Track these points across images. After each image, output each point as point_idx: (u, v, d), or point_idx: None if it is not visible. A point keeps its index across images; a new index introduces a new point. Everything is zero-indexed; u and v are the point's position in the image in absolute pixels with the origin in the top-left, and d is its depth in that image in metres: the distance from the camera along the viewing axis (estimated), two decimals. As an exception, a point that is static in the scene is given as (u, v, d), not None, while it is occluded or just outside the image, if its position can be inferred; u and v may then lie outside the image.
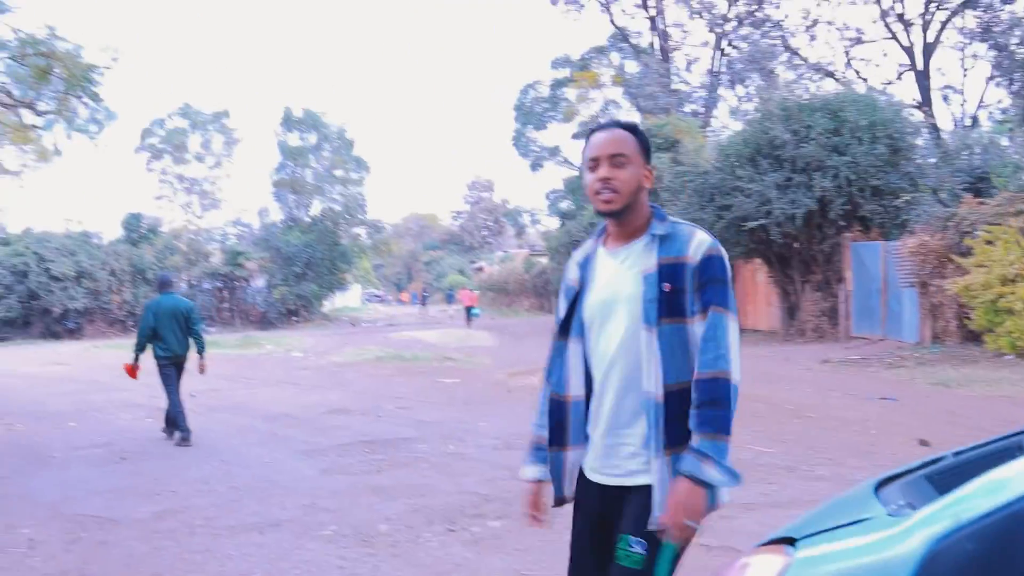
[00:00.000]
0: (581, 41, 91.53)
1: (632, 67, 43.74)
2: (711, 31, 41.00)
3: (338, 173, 49.05)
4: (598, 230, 2.81)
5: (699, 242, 2.57)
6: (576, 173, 41.63)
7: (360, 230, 50.59)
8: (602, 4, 42.69)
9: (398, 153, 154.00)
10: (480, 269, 75.82)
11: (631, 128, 2.75)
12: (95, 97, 15.35)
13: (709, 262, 2.54)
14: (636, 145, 2.69)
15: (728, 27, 40.24)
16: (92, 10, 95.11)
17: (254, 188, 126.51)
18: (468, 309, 38.82)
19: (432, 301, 70.23)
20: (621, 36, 43.60)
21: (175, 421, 10.05)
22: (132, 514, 6.73)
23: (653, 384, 2.50)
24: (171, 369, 10.15)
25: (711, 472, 2.42)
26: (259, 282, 44.46)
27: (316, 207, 48.50)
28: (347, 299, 60.53)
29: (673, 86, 40.96)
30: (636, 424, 2.58)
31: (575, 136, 45.76)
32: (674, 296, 2.51)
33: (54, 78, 14.83)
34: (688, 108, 40.86)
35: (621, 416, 2.60)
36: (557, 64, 46.35)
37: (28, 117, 16.50)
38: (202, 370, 10.39)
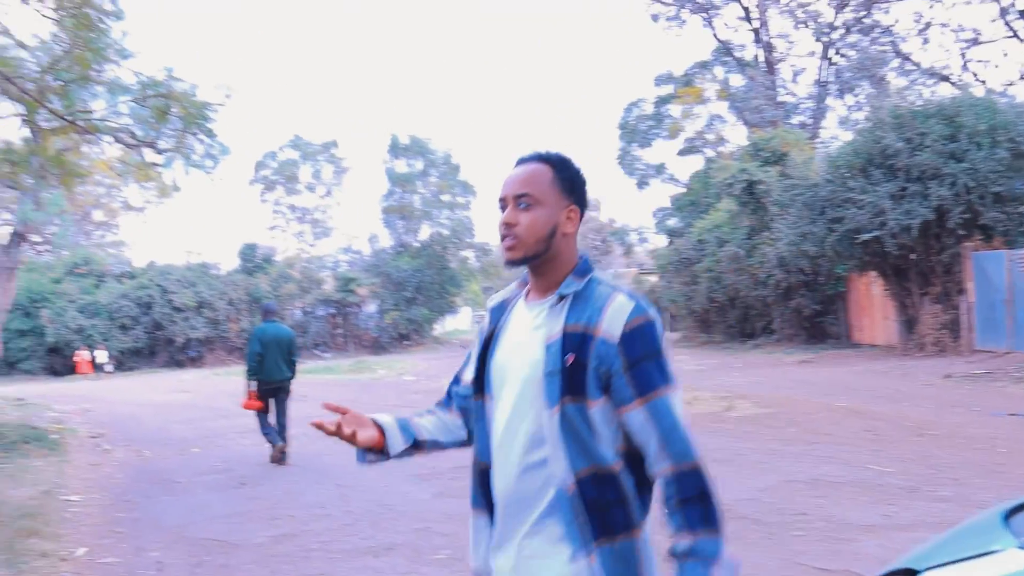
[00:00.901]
0: (684, 57, 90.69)
1: (737, 81, 43.15)
2: (817, 40, 40.15)
3: (445, 198, 49.65)
4: (524, 274, 2.33)
5: (616, 310, 2.06)
6: (683, 190, 41.25)
7: (468, 253, 51.06)
8: (704, 19, 42.28)
9: (504, 176, 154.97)
10: (588, 289, 75.36)
11: (553, 160, 2.25)
12: (210, 133, 15.88)
13: (635, 337, 2.04)
14: (553, 182, 2.20)
15: (835, 35, 39.36)
16: (206, 50, 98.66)
17: (364, 215, 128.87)
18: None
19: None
20: (724, 50, 43.07)
21: (269, 435, 10.66)
22: (251, 538, 6.89)
23: (560, 472, 2.05)
24: (274, 394, 10.79)
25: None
26: (371, 307, 45.27)
27: (425, 232, 49.18)
28: (457, 322, 61.05)
29: (779, 98, 40.24)
30: (545, 520, 2.08)
31: (681, 153, 45.37)
32: (577, 370, 2.05)
33: (172, 117, 15.40)
34: (795, 120, 40.06)
35: (523, 505, 2.12)
36: (660, 81, 46.00)
37: (149, 156, 17.16)
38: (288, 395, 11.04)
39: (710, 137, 44.89)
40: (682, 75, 45.01)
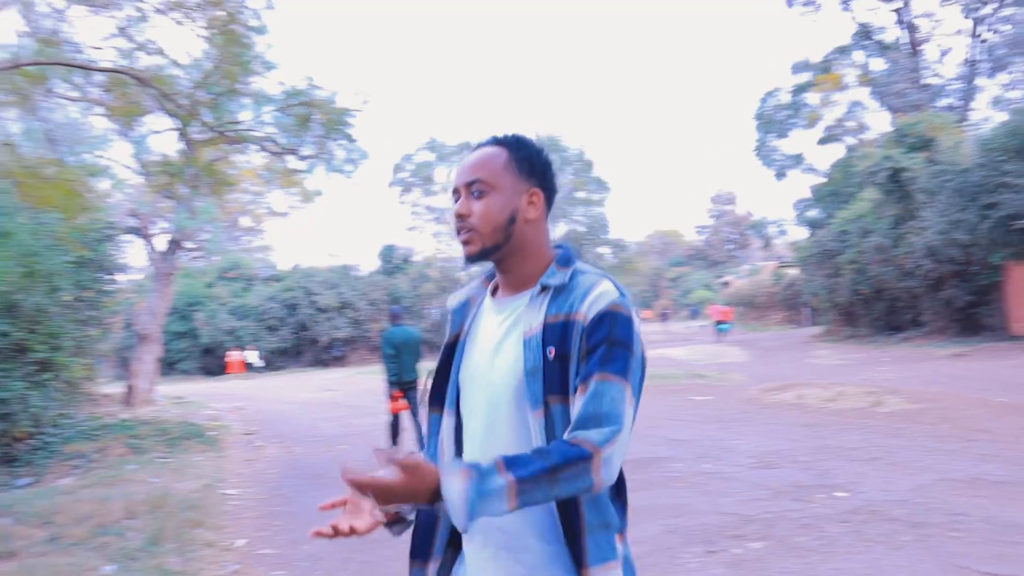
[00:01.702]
0: (821, 43, 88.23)
1: (878, 64, 41.67)
2: (966, 17, 38.40)
3: (580, 195, 49.72)
4: (488, 271, 2.14)
5: (599, 295, 1.85)
6: (823, 180, 40.10)
7: (604, 250, 50.96)
8: (842, 2, 41.01)
9: (638, 171, 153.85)
10: (727, 283, 74.40)
11: (507, 141, 2.04)
12: (350, 139, 16.35)
13: (603, 320, 1.81)
14: (508, 164, 1.99)
15: (986, 10, 37.56)
16: (344, 57, 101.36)
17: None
18: (717, 323, 38.14)
19: (677, 318, 69.50)
20: (864, 33, 41.64)
21: (393, 438, 11.18)
22: (395, 538, 7.05)
23: None
24: (412, 393, 11.23)
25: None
26: (508, 305, 45.61)
27: (560, 229, 49.31)
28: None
29: (924, 81, 38.68)
30: (526, 539, 1.86)
31: (820, 142, 44.12)
32: (561, 365, 1.84)
33: (314, 124, 15.91)
34: (942, 103, 38.42)
35: (504, 530, 1.87)
36: (797, 69, 44.83)
37: (292, 163, 17.76)
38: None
39: (851, 124, 43.50)
40: (820, 62, 43.74)
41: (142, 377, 20.49)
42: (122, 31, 13.49)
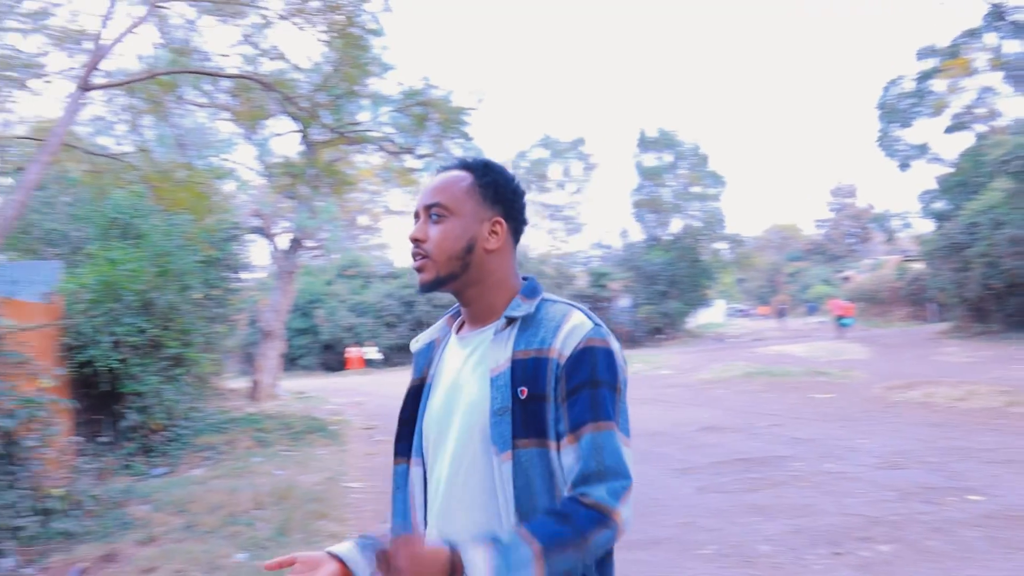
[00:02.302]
0: (949, 26, 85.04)
1: (1012, 47, 39.84)
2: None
3: (695, 190, 49.01)
4: (453, 309, 2.04)
5: (573, 327, 1.75)
6: (951, 171, 38.60)
7: (721, 245, 50.16)
8: (972, -17, 39.34)
9: (755, 165, 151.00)
10: (847, 278, 72.38)
11: (473, 166, 1.92)
12: (467, 137, 16.49)
13: (582, 359, 1.71)
14: (470, 189, 1.87)
15: None
16: (459, 56, 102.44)
17: (614, 210, 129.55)
18: (838, 319, 37.13)
19: (795, 314, 67.91)
20: (997, 14, 39.85)
21: None
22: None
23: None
24: None
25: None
26: (624, 302, 45.44)
27: (676, 225, 48.78)
28: (711, 315, 60.15)
29: (1063, 63, 36.82)
30: None
31: (947, 130, 42.44)
32: (533, 406, 1.71)
33: (430, 124, 16.12)
34: (1082, 86, 36.51)
35: None
36: (923, 55, 43.19)
37: (409, 161, 18.02)
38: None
39: (980, 111, 41.71)
40: (947, 46, 42.01)
41: (266, 372, 21.14)
42: (247, 38, 13.92)
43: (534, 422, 1.70)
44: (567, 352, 1.71)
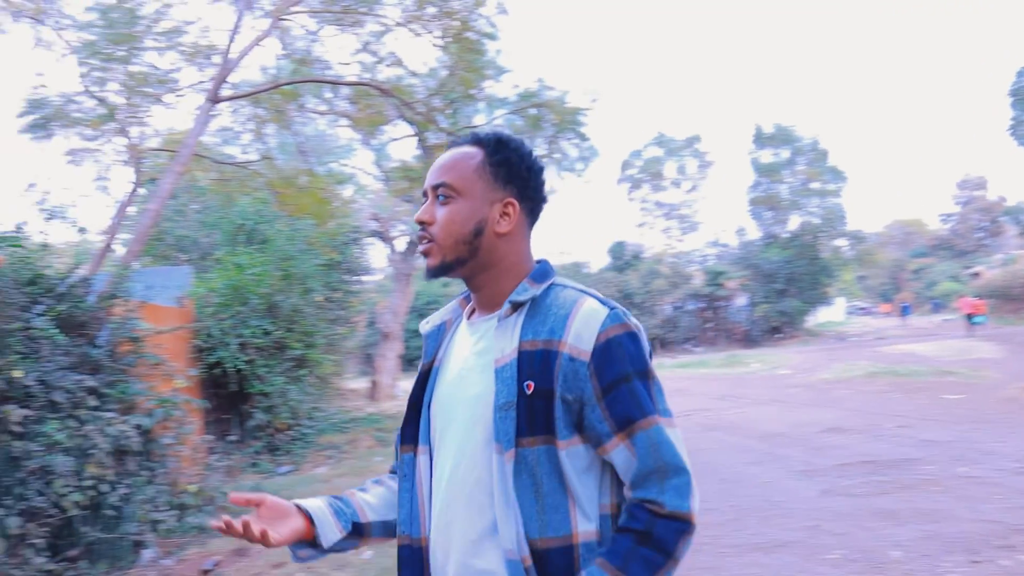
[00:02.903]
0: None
1: None
2: None
3: (814, 186, 47.89)
4: (465, 290, 1.91)
5: (586, 317, 1.63)
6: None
7: (841, 241, 48.88)
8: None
9: (877, 158, 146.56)
10: (977, 274, 69.57)
11: (486, 142, 1.79)
12: (583, 137, 16.51)
13: (609, 351, 1.60)
14: (481, 167, 1.75)
15: None
16: (572, 56, 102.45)
17: (730, 208, 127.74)
18: (969, 316, 35.74)
19: (919, 312, 65.65)
20: None
21: None
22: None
23: (512, 540, 1.58)
24: None
25: None
26: (741, 300, 44.75)
27: (794, 222, 47.78)
28: (830, 313, 58.69)
29: None
30: None
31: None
32: (540, 402, 1.60)
33: (545, 124, 16.19)
34: None
35: None
36: (1058, 40, 41.25)
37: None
38: None
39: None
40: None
41: (385, 373, 21.55)
42: (365, 46, 14.23)
43: (541, 418, 1.59)
44: (585, 346, 1.60)
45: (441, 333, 1.89)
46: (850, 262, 51.51)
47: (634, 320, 1.66)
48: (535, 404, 1.59)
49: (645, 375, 1.61)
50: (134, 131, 13.89)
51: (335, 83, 14.40)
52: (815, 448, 10.37)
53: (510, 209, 1.75)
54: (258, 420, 12.03)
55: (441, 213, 1.73)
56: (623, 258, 46.10)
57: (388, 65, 14.72)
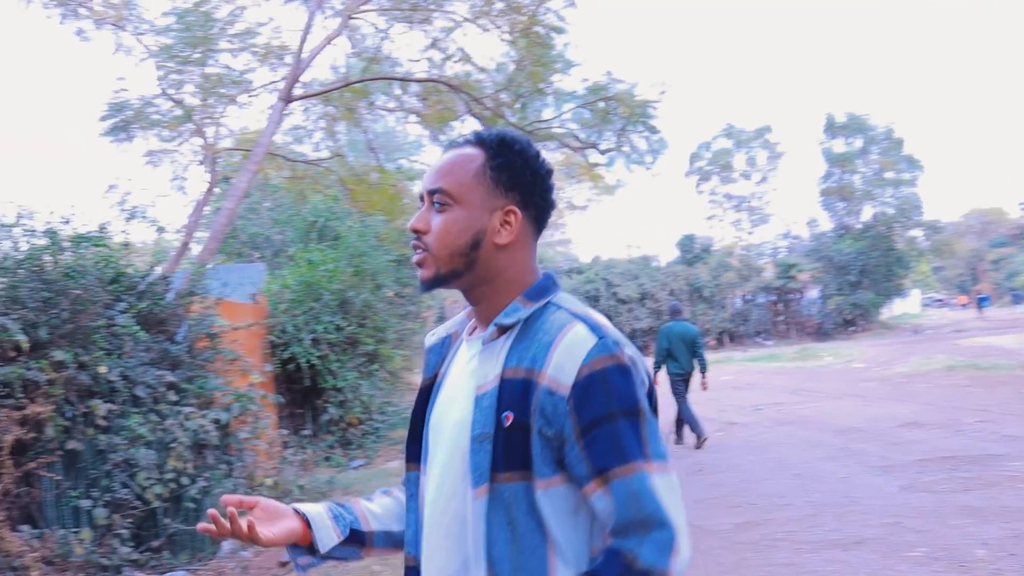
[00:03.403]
0: None
1: None
2: None
3: (888, 175, 46.93)
4: None
5: (570, 346, 1.46)
6: None
7: (917, 232, 47.84)
8: None
9: (954, 146, 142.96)
10: (1059, 264, 67.63)
11: (488, 142, 1.63)
12: (653, 130, 16.39)
13: (591, 386, 1.43)
14: (480, 172, 1.60)
15: None
16: (639, 47, 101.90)
17: (801, 199, 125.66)
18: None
19: (999, 303, 63.97)
20: None
21: (691, 426, 11.51)
22: (716, 524, 7.03)
23: None
24: (681, 384, 11.72)
25: None
26: (812, 293, 44.07)
27: (867, 212, 46.90)
28: (906, 305, 57.53)
29: None
30: None
31: None
32: (518, 435, 1.46)
33: (614, 118, 16.10)
34: None
35: None
36: None
37: (593, 157, 18.05)
38: (704, 387, 11.93)
39: None
40: None
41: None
42: (434, 43, 14.32)
43: (519, 453, 1.45)
44: (565, 379, 1.44)
45: (445, 347, 1.76)
46: (926, 253, 50.38)
47: (629, 351, 1.49)
48: (513, 437, 1.46)
49: (633, 414, 1.43)
50: (209, 131, 14.18)
51: (405, 80, 14.51)
52: (893, 443, 10.18)
53: (511, 218, 1.60)
54: (331, 415, 12.20)
55: (436, 221, 1.59)
56: (692, 251, 45.70)
57: (456, 61, 14.79)
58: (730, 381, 21.06)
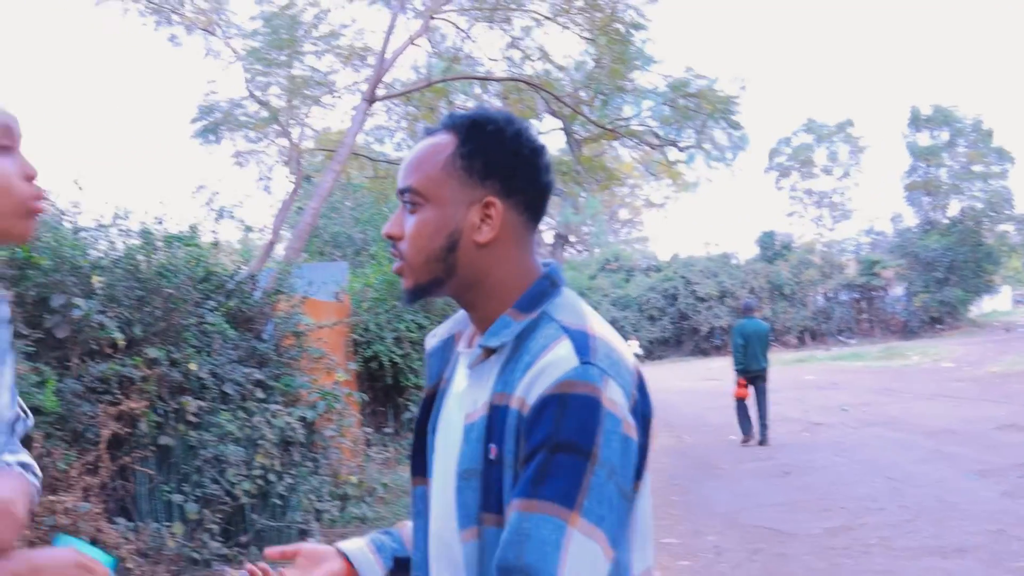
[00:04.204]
0: None
1: None
2: None
3: (977, 168, 45.67)
4: None
5: (546, 366, 1.24)
6: None
7: (1008, 227, 46.44)
8: None
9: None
10: None
11: (460, 126, 1.39)
12: (736, 126, 16.19)
13: (549, 407, 1.20)
14: (450, 161, 1.36)
15: None
16: (718, 42, 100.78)
17: (884, 194, 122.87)
18: None
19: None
20: None
21: (740, 423, 11.90)
22: (805, 529, 6.90)
23: None
24: (761, 382, 11.94)
25: None
26: (897, 290, 43.12)
27: (954, 207, 45.70)
28: (996, 303, 55.91)
29: None
30: None
31: None
32: (501, 472, 1.27)
33: (695, 114, 15.94)
34: None
35: None
36: None
37: (673, 154, 17.90)
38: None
39: None
40: None
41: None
42: (514, 41, 14.34)
43: (502, 492, 1.26)
44: (531, 399, 1.23)
45: (448, 349, 1.53)
46: (1018, 248, 48.89)
47: (615, 390, 1.23)
48: (498, 474, 1.26)
49: (580, 454, 1.17)
50: (295, 132, 14.43)
51: (487, 79, 14.56)
52: (989, 446, 9.87)
53: (491, 211, 1.35)
54: (413, 413, 12.27)
55: (409, 224, 1.37)
56: (772, 248, 45.00)
57: (535, 60, 14.79)
58: (813, 381, 20.72)
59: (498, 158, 1.36)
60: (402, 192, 1.38)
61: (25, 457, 1.61)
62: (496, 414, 1.27)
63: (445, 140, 1.37)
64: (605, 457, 1.18)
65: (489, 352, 1.32)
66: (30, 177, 1.46)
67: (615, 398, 1.22)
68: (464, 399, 1.36)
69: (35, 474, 1.60)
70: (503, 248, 1.37)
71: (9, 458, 1.57)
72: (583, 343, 1.26)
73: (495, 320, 1.35)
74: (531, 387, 1.23)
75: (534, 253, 1.42)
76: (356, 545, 1.59)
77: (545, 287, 1.37)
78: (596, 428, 1.18)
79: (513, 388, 1.26)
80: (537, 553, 1.14)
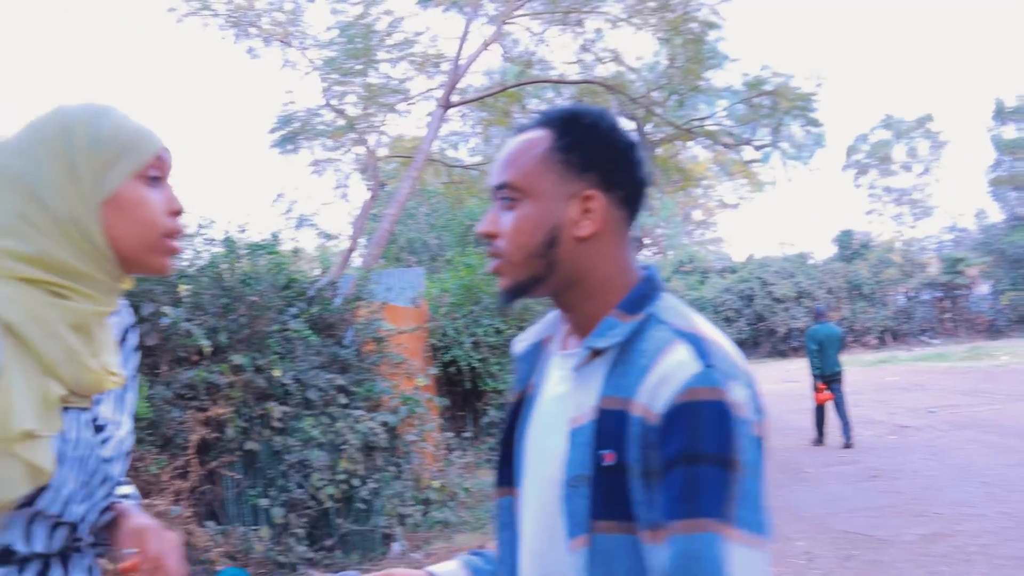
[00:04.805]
0: None
1: None
2: None
3: (1064, 164, 44.29)
4: None
5: (667, 372, 1.20)
6: None
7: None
8: None
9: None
10: None
11: (556, 121, 1.36)
12: (815, 123, 15.92)
13: (682, 418, 1.16)
14: (548, 155, 1.33)
15: None
16: (792, 38, 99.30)
17: (967, 190, 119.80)
18: None
19: None
20: None
21: (816, 425, 12.12)
22: (899, 535, 6.72)
23: None
24: (837, 385, 12.02)
25: None
26: (983, 288, 41.95)
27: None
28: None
29: None
30: None
31: None
32: (618, 478, 1.22)
33: (770, 112, 15.70)
34: None
35: None
36: None
37: (748, 153, 17.66)
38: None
39: None
40: None
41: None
42: (587, 43, 14.30)
43: (619, 499, 1.22)
44: (657, 408, 1.18)
45: (536, 354, 1.50)
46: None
47: (740, 391, 1.20)
48: (614, 480, 1.22)
49: (724, 463, 1.15)
50: (371, 139, 14.58)
51: (561, 83, 14.54)
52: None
53: (592, 204, 1.32)
54: (491, 417, 12.30)
55: (507, 221, 1.34)
56: (850, 247, 44.12)
57: (608, 61, 14.73)
58: (897, 382, 20.25)
59: (596, 151, 1.34)
60: (498, 188, 1.35)
61: (128, 489, 1.62)
62: (608, 419, 1.23)
63: (540, 135, 1.35)
64: (740, 459, 1.16)
65: (595, 354, 1.29)
66: (175, 213, 1.43)
67: (740, 400, 1.19)
68: (567, 402, 1.31)
69: (139, 502, 1.62)
70: (604, 243, 1.33)
71: (126, 489, 1.59)
72: (700, 346, 1.22)
73: (598, 321, 1.31)
74: (655, 395, 1.19)
75: (632, 252, 1.38)
76: (448, 569, 1.53)
77: (648, 289, 1.34)
78: (731, 434, 1.16)
79: (630, 393, 1.22)
80: (707, 572, 1.11)
